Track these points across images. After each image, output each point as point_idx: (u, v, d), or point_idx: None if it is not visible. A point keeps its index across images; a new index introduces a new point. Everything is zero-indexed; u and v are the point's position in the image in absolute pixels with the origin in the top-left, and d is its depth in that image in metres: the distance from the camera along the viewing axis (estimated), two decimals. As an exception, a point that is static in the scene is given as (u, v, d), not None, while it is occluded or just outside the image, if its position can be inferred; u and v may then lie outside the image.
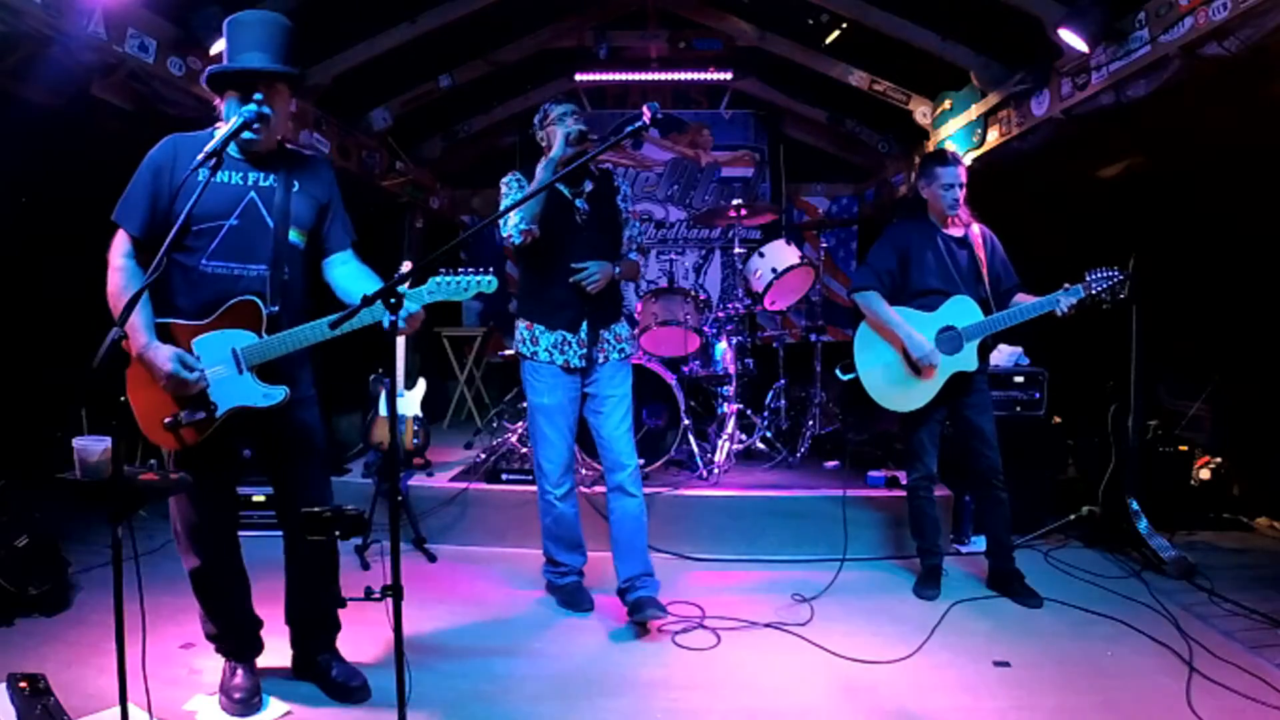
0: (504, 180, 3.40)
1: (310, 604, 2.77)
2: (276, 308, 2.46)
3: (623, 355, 3.46)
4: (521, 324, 3.45)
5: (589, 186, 3.42)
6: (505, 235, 3.24)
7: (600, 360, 3.41)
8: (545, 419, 3.41)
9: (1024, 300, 3.52)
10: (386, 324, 2.09)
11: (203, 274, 2.42)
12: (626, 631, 3.28)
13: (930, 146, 5.50)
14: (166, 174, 2.40)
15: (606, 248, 3.41)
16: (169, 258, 2.35)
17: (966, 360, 3.53)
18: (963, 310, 3.53)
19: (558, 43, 6.01)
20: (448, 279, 2.39)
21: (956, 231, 3.61)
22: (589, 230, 3.37)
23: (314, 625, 2.80)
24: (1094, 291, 3.34)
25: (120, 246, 2.41)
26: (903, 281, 3.60)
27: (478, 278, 2.40)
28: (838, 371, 3.77)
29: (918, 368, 3.52)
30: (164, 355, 2.33)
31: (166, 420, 2.37)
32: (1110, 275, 3.33)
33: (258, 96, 2.36)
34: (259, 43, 2.43)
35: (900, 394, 3.59)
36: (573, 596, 3.54)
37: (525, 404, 3.59)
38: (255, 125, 2.35)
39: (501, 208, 3.23)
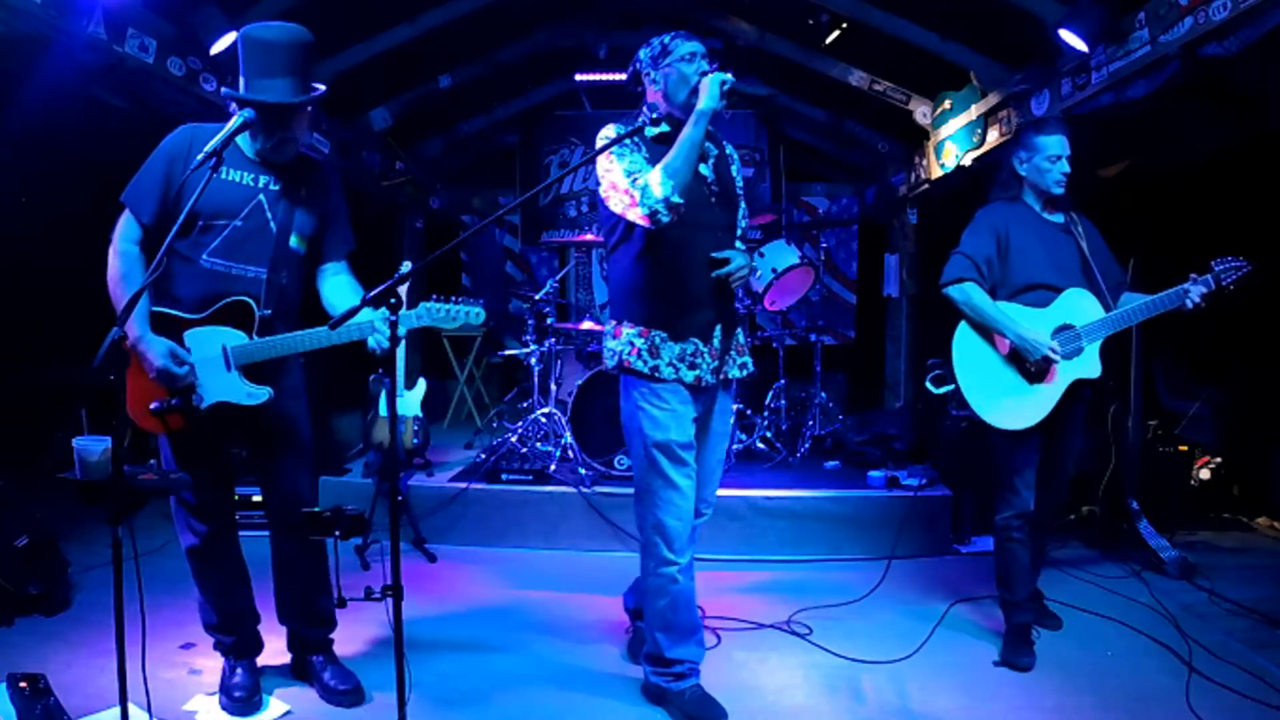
0: (610, 142, 2.44)
1: (298, 604, 2.76)
2: (270, 311, 2.48)
3: (744, 371, 2.78)
4: (630, 330, 2.61)
5: (714, 152, 2.71)
6: (647, 212, 2.42)
7: (733, 376, 2.74)
8: (673, 463, 2.54)
9: (1136, 296, 3.02)
10: (371, 345, 2.33)
11: (202, 269, 2.44)
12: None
13: (930, 146, 5.49)
14: (180, 164, 2.41)
15: (733, 230, 2.75)
16: (171, 246, 2.36)
17: (1088, 365, 2.96)
18: (1080, 306, 2.97)
19: (558, 43, 6.01)
20: (438, 306, 2.42)
21: (1056, 216, 3.09)
22: (719, 208, 2.66)
23: (303, 625, 2.78)
24: (1224, 283, 2.89)
25: (127, 231, 2.42)
26: (1002, 274, 3.02)
27: (466, 308, 2.44)
28: (929, 384, 3.28)
29: (1031, 372, 2.95)
30: (157, 350, 2.35)
31: (152, 406, 2.35)
32: (1238, 265, 2.90)
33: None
34: (282, 66, 2.35)
35: (1011, 407, 2.95)
36: (701, 705, 2.61)
37: (525, 403, 3.48)
38: (280, 143, 2.44)
39: (625, 172, 2.46)
